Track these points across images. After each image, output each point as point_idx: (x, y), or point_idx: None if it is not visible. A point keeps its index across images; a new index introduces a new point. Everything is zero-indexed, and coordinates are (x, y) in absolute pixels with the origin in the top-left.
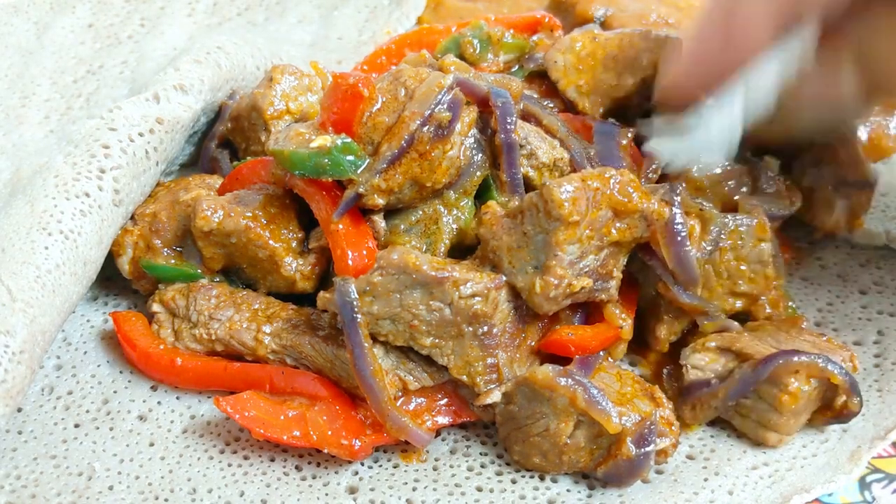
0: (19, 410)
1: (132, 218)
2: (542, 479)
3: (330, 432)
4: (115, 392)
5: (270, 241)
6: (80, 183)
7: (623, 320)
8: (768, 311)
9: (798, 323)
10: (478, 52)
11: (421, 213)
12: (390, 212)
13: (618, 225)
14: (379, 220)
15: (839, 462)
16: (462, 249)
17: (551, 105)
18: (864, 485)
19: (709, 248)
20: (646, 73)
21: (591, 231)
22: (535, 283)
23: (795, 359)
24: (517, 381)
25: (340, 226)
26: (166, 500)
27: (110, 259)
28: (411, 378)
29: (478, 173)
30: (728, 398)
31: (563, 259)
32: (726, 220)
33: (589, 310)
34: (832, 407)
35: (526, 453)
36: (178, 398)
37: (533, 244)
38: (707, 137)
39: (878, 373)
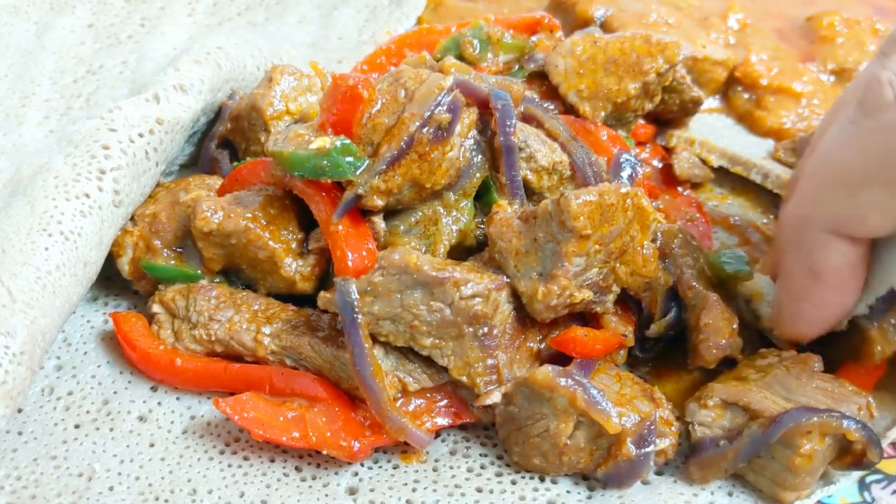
0: (19, 411)
1: (132, 219)
2: (542, 480)
3: (329, 433)
4: (115, 393)
5: (270, 242)
6: (80, 184)
7: (625, 327)
8: None
9: (809, 363)
10: (477, 52)
11: (420, 214)
12: (390, 213)
13: (628, 273)
14: (378, 221)
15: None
16: (462, 251)
17: (552, 107)
18: (863, 485)
19: None
20: (647, 77)
21: (599, 246)
22: (538, 290)
23: (805, 420)
24: (517, 382)
25: (340, 227)
26: (166, 500)
27: (110, 259)
28: (411, 379)
29: (477, 175)
30: (738, 460)
31: (569, 270)
32: None
33: (585, 319)
34: (850, 452)
35: (526, 454)
36: (178, 399)
37: (542, 251)
38: None
39: None
